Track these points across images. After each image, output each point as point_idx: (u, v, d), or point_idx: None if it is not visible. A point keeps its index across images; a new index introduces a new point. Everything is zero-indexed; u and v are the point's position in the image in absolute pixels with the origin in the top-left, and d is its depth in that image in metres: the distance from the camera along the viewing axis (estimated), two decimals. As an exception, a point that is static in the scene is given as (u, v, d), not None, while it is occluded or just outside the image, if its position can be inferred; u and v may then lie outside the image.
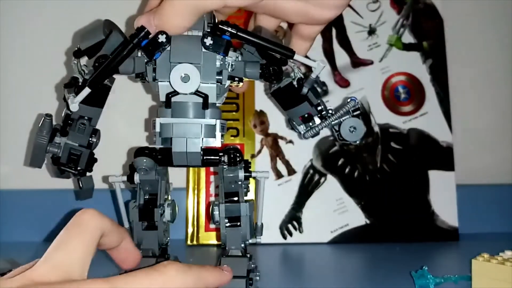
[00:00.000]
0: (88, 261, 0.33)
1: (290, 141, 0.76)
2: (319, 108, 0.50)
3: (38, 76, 0.79)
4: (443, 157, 0.79)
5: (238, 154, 0.50)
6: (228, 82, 0.48)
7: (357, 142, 0.49)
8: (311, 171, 0.76)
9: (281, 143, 0.76)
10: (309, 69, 0.49)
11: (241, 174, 0.51)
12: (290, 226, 0.75)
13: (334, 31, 0.79)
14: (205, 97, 0.46)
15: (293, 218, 0.75)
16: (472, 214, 0.80)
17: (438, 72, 0.80)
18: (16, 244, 0.72)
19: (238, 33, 0.45)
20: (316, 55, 0.78)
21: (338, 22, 0.79)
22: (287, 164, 0.76)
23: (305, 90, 0.49)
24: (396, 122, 0.79)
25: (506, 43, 0.88)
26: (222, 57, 0.46)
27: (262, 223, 0.55)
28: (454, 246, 0.74)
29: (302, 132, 0.51)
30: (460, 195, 0.78)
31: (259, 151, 0.76)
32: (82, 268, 0.32)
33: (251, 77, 0.49)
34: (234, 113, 0.76)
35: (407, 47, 0.80)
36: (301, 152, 0.76)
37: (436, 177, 0.78)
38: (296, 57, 0.47)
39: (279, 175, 0.76)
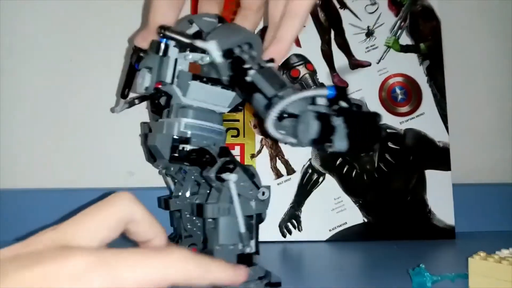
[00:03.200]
0: (101, 237, 0.30)
1: (290, 141, 0.77)
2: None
3: (40, 76, 0.79)
4: (440, 157, 0.79)
5: (200, 155, 0.50)
6: (194, 82, 0.49)
7: (308, 145, 0.42)
8: (309, 171, 0.77)
9: (280, 143, 0.77)
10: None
11: (212, 174, 0.49)
12: (289, 224, 0.76)
13: (333, 33, 0.80)
14: (161, 96, 0.50)
15: (292, 216, 0.76)
16: (469, 213, 0.81)
17: (435, 74, 0.81)
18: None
19: (166, 33, 0.47)
20: (315, 57, 0.79)
21: (336, 24, 0.80)
22: (286, 163, 0.77)
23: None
24: (393, 123, 0.79)
25: (503, 45, 0.89)
26: (181, 57, 0.49)
27: (245, 231, 0.48)
28: (450, 244, 0.75)
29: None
30: (456, 194, 0.79)
31: (259, 151, 0.77)
32: (90, 238, 0.30)
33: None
34: (234, 113, 0.77)
35: (404, 49, 0.81)
36: (300, 152, 0.77)
37: (432, 176, 0.79)
38: (197, 43, 0.47)
39: (278, 175, 0.77)
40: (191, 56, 0.48)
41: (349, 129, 0.41)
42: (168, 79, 0.48)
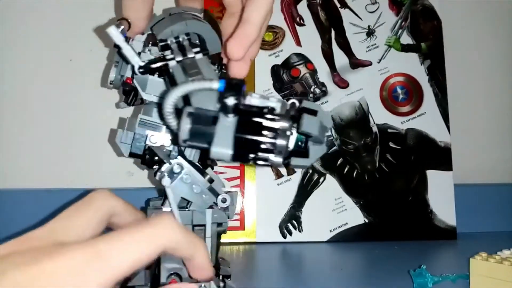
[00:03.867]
0: (88, 233, 0.33)
1: (290, 141, 0.77)
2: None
3: (39, 76, 0.79)
4: (441, 157, 0.79)
5: (151, 155, 0.45)
6: (151, 77, 0.45)
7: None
8: (310, 171, 0.77)
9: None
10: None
11: (157, 177, 0.44)
12: (289, 225, 0.75)
13: (333, 32, 0.80)
14: (130, 91, 0.47)
15: (293, 217, 0.75)
16: (470, 214, 0.81)
17: (436, 73, 0.80)
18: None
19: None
20: (315, 56, 0.79)
21: (337, 24, 0.80)
22: (286, 164, 0.76)
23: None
24: (394, 123, 0.79)
25: (503, 44, 0.89)
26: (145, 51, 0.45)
27: None
28: (452, 245, 0.74)
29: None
30: (458, 194, 0.78)
31: (259, 151, 0.76)
32: (78, 236, 0.32)
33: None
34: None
35: (405, 48, 0.80)
36: (301, 152, 0.77)
37: (434, 176, 0.78)
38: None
39: (278, 175, 0.76)
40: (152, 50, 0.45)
41: (238, 133, 0.34)
42: (128, 74, 0.46)
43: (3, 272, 0.27)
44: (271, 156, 0.34)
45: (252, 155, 0.34)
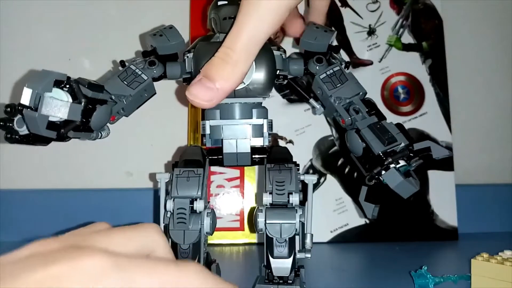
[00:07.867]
0: None
1: (290, 141, 0.76)
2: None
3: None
4: (443, 157, 0.78)
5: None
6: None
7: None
8: (311, 171, 0.76)
9: (281, 143, 0.76)
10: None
11: None
12: (290, 226, 0.75)
13: (334, 31, 0.79)
14: None
15: (293, 218, 0.75)
16: (472, 214, 0.81)
17: (437, 72, 0.80)
18: (17, 244, 0.72)
19: None
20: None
21: (337, 23, 0.79)
22: (287, 164, 0.76)
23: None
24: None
25: (505, 44, 0.88)
26: None
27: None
28: (453, 245, 0.74)
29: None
30: (459, 194, 0.78)
31: (259, 151, 0.76)
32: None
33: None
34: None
35: (406, 48, 0.80)
36: (301, 152, 0.76)
37: (435, 177, 0.78)
38: None
39: (279, 175, 0.76)
40: None
41: None
42: None
43: (16, 274, 0.25)
44: None
45: None
